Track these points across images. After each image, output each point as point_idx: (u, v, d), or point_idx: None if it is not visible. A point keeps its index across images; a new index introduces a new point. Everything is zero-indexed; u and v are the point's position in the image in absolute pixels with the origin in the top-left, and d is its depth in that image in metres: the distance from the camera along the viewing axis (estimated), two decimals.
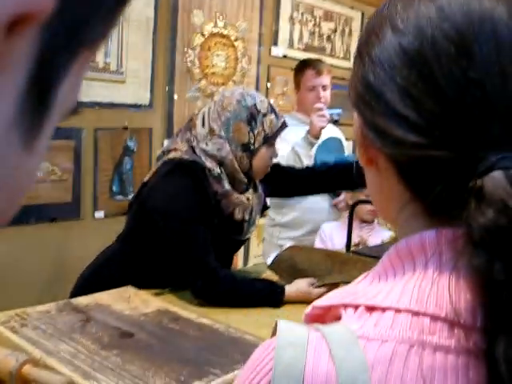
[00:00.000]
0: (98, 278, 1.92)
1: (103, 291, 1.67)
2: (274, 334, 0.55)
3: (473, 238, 0.48)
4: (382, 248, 2.46)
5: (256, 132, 1.92)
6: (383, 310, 0.52)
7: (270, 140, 1.96)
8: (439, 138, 0.52)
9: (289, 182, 2.31)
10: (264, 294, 1.85)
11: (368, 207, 2.89)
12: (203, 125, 1.93)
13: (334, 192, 3.04)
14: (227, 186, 1.92)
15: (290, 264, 2.05)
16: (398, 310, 0.51)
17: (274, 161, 2.08)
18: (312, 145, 2.90)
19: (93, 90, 3.12)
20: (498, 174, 0.49)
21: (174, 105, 3.57)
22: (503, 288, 0.47)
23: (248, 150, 1.93)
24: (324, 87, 3.14)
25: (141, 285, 1.76)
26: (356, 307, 0.54)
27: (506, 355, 0.45)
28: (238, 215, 1.97)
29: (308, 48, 4.45)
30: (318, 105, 2.93)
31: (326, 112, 2.88)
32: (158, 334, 1.40)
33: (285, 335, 0.53)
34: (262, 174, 2.04)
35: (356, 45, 0.62)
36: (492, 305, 0.47)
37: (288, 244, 3.07)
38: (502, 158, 0.50)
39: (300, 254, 2.13)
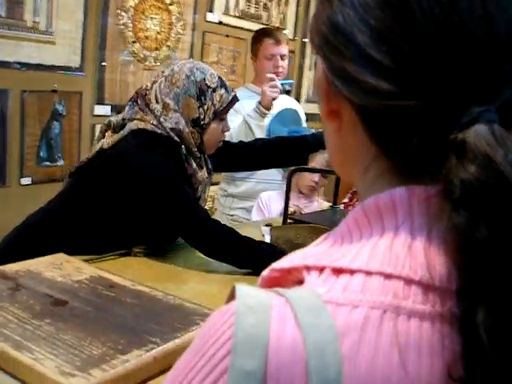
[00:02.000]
0: (22, 244, 1.82)
1: (33, 258, 1.58)
2: (230, 299, 0.49)
3: (453, 195, 0.44)
4: (321, 214, 2.46)
5: (206, 107, 1.91)
6: (352, 272, 0.47)
7: (220, 115, 1.95)
8: (416, 86, 0.47)
9: (235, 157, 2.31)
10: (270, 252, 1.82)
11: (308, 181, 2.88)
12: (157, 101, 1.89)
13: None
14: (194, 163, 1.92)
15: (286, 240, 2.04)
16: (368, 273, 0.47)
17: (226, 134, 2.07)
18: (264, 116, 2.89)
19: (20, 50, 2.99)
20: (481, 128, 0.46)
21: (105, 69, 3.45)
22: (485, 248, 0.43)
23: (198, 125, 1.91)
24: (282, 57, 3.13)
25: (71, 253, 1.69)
26: (321, 270, 0.49)
27: (487, 323, 0.42)
28: (198, 193, 1.98)
29: (244, 15, 4.39)
30: (269, 75, 2.92)
31: (278, 82, 2.86)
32: (93, 301, 1.34)
33: (245, 300, 0.47)
34: (214, 149, 2.03)
35: None
36: (471, 268, 0.44)
37: (239, 214, 3.07)
38: (485, 110, 0.46)
39: (289, 231, 2.12)
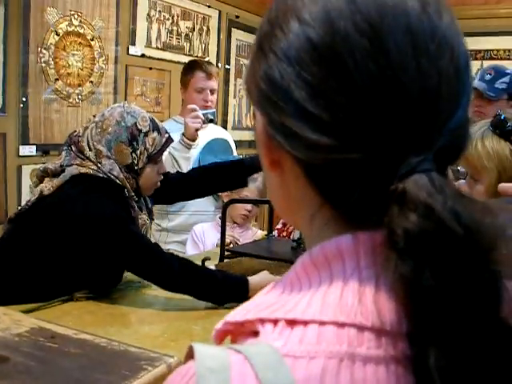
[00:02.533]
0: None
1: None
2: (187, 358, 0.49)
3: (397, 244, 0.46)
4: (255, 245, 2.47)
5: (139, 152, 1.89)
6: (305, 323, 0.48)
7: (154, 158, 1.92)
8: (355, 139, 0.49)
9: (172, 189, 2.30)
10: (231, 283, 1.83)
11: (241, 210, 2.91)
12: (89, 148, 1.87)
13: (215, 194, 3.04)
14: (136, 206, 1.90)
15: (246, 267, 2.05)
16: (322, 323, 0.48)
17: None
18: (189, 147, 2.88)
19: None
20: (420, 177, 0.47)
21: (28, 108, 3.38)
22: (432, 295, 0.45)
23: (132, 170, 1.89)
24: (212, 91, 3.14)
25: (12, 301, 1.64)
26: (275, 322, 0.49)
27: (439, 365, 0.44)
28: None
29: (166, 47, 4.39)
30: (190, 106, 2.92)
31: (200, 113, 2.86)
32: (36, 355, 1.30)
33: (203, 361, 0.47)
34: (151, 191, 2.01)
35: (256, 37, 0.57)
36: (420, 313, 0.45)
37: (175, 247, 3.07)
38: (423, 160, 0.48)
39: (235, 266, 2.13)
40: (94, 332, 1.48)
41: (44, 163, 3.49)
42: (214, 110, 3.05)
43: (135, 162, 1.88)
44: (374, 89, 0.48)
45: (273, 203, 0.64)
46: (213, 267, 2.13)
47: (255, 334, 0.50)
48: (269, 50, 0.53)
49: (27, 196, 3.41)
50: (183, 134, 2.87)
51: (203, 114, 2.90)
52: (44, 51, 3.43)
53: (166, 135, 1.97)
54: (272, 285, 0.56)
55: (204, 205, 3.07)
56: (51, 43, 3.47)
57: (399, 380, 0.46)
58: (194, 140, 2.89)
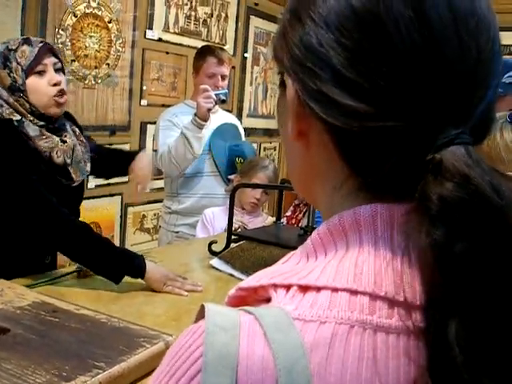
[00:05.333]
0: None
1: None
2: (198, 318, 0.50)
3: (430, 210, 0.46)
4: (263, 230, 2.47)
5: (13, 69, 1.85)
6: (318, 289, 0.49)
7: (32, 70, 1.87)
8: (394, 107, 0.49)
9: (101, 163, 2.27)
10: (128, 256, 1.84)
11: (250, 198, 2.91)
12: None
13: (225, 178, 3.07)
14: (32, 130, 1.85)
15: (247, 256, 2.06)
16: (334, 290, 0.48)
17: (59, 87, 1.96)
18: (201, 127, 2.88)
19: None
20: (457, 149, 0.48)
21: None
22: (462, 262, 0.45)
23: (16, 89, 1.85)
24: (223, 77, 3.13)
25: None
26: (288, 287, 0.50)
27: (459, 337, 0.44)
28: (57, 159, 1.91)
29: (184, 32, 4.39)
30: (203, 86, 2.92)
31: (212, 93, 2.87)
32: (36, 328, 1.32)
33: (214, 319, 0.48)
34: (51, 106, 1.91)
35: (290, 4, 0.56)
36: (445, 282, 0.45)
37: (184, 230, 3.08)
38: (460, 132, 0.48)
39: (256, 249, 2.13)
40: (97, 309, 1.49)
41: None
42: (227, 90, 3.05)
43: (14, 80, 1.85)
44: (417, 59, 0.48)
45: (290, 176, 0.64)
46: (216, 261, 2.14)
47: (268, 301, 0.51)
48: (306, 16, 0.53)
49: None
50: (195, 114, 2.88)
51: (215, 95, 2.91)
52: (61, 32, 3.44)
53: (40, 45, 1.90)
54: (290, 254, 0.57)
55: (214, 187, 3.09)
56: (68, 24, 3.48)
57: (410, 351, 0.46)
58: (205, 120, 2.89)
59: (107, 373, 1.13)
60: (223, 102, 2.99)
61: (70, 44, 3.51)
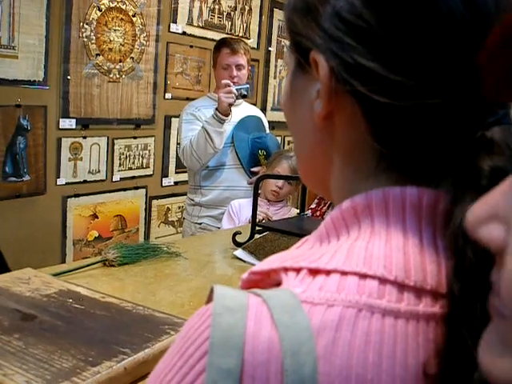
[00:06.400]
0: None
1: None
2: (209, 300, 0.50)
3: (480, 181, 0.46)
4: (287, 222, 2.47)
5: None
6: (328, 272, 0.48)
7: None
8: (443, 84, 0.48)
9: None
10: None
11: (271, 186, 2.91)
12: None
13: (248, 170, 3.08)
14: None
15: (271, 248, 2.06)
16: (343, 273, 0.48)
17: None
18: (222, 122, 2.90)
19: None
20: (505, 127, 0.48)
21: (69, 82, 3.44)
22: None
23: None
24: (239, 66, 3.13)
25: None
26: (298, 270, 0.50)
27: (481, 324, 0.43)
28: None
29: (208, 25, 4.40)
30: (224, 81, 2.94)
31: (233, 88, 2.88)
32: (63, 315, 1.33)
33: (222, 301, 0.48)
34: None
35: None
36: (476, 266, 0.44)
37: (207, 222, 3.10)
38: (506, 113, 0.49)
39: (280, 240, 2.14)
40: (122, 298, 1.50)
41: (84, 137, 3.58)
42: (247, 85, 3.06)
43: None
44: (467, 38, 0.48)
45: (299, 161, 0.63)
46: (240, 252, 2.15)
47: (279, 284, 0.51)
48: None
49: (66, 168, 3.48)
50: (216, 109, 2.90)
51: (236, 89, 2.92)
52: (86, 26, 3.47)
53: None
54: (304, 239, 0.57)
55: (237, 180, 3.10)
56: (93, 18, 3.51)
57: (418, 336, 0.46)
58: (227, 115, 2.91)
59: (132, 358, 1.14)
60: (244, 96, 3.00)
61: (94, 38, 3.54)
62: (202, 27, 4.36)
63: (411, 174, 0.52)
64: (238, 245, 2.22)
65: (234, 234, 2.25)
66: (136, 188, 4.10)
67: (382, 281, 0.47)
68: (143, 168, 4.14)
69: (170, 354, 0.50)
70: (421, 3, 0.48)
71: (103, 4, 3.55)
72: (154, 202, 4.27)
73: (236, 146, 3.11)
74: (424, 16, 0.48)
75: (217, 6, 4.48)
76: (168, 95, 4.17)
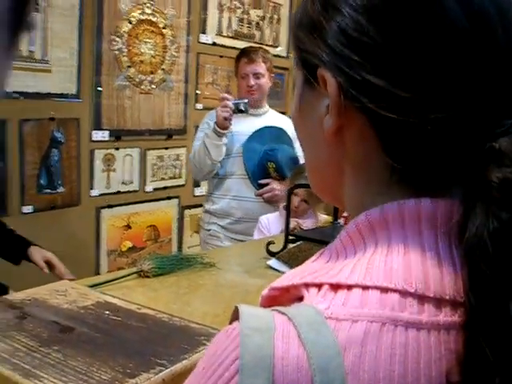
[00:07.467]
0: None
1: (38, 286, 1.59)
2: (233, 319, 0.51)
3: (490, 193, 0.46)
4: (320, 231, 2.47)
5: None
6: (349, 287, 0.49)
7: None
8: (450, 98, 0.48)
9: None
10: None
11: (296, 199, 2.90)
12: None
13: (255, 182, 3.07)
14: None
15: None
16: (365, 287, 0.48)
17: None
18: (220, 135, 2.92)
19: (17, 80, 3.01)
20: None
21: (101, 94, 3.48)
22: None
23: None
24: (257, 75, 3.13)
25: None
26: (319, 286, 0.50)
27: (493, 335, 0.44)
28: None
29: (237, 35, 4.42)
30: (222, 95, 2.98)
31: (230, 102, 2.89)
32: (100, 327, 1.35)
33: (248, 321, 0.48)
34: None
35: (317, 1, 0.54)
36: (500, 273, 0.45)
37: (215, 229, 3.15)
38: None
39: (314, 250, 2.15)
40: (157, 308, 1.51)
41: (116, 148, 3.62)
42: (247, 100, 3.03)
43: None
44: (471, 49, 0.48)
45: (311, 174, 0.63)
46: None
47: (300, 299, 0.51)
48: (344, 3, 0.51)
49: (99, 180, 3.52)
50: (215, 122, 2.92)
51: (234, 104, 2.93)
52: (117, 39, 3.51)
53: None
54: (319, 252, 0.57)
55: (244, 190, 3.09)
56: (124, 31, 3.55)
57: (441, 346, 0.46)
58: (224, 128, 2.93)
59: (169, 370, 1.15)
60: (241, 111, 2.99)
61: (126, 50, 3.58)
62: (232, 37, 4.38)
63: (424, 185, 0.52)
64: (271, 254, 2.22)
65: (268, 244, 2.25)
66: (168, 198, 4.12)
67: (403, 294, 0.48)
68: (175, 178, 4.17)
69: (197, 374, 0.50)
70: (423, 18, 0.48)
71: (134, 17, 3.59)
72: (187, 211, 4.29)
73: (244, 157, 3.09)
74: (427, 30, 0.48)
75: (245, 16, 4.50)
76: (199, 105, 4.19)
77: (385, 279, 0.48)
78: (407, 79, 0.48)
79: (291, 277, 0.53)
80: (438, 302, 0.47)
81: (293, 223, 2.67)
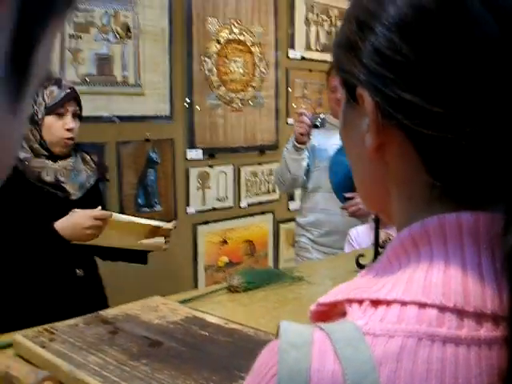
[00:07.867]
0: None
1: (130, 302, 1.66)
2: (277, 336, 0.52)
3: None
4: None
5: (38, 103, 1.97)
6: (388, 303, 0.49)
7: (53, 110, 1.99)
8: (486, 115, 0.48)
9: None
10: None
11: None
12: None
13: (340, 195, 3.04)
14: (23, 153, 1.98)
15: None
16: (403, 303, 0.48)
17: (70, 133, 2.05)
18: (298, 150, 2.93)
19: (112, 104, 3.14)
20: None
21: (194, 114, 3.57)
22: None
23: (33, 121, 1.98)
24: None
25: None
26: (361, 302, 0.51)
27: None
28: (46, 176, 2.01)
29: (326, 48, 4.43)
30: (300, 110, 2.98)
31: (306, 118, 2.88)
32: (188, 341, 1.39)
33: (287, 337, 0.50)
34: (58, 146, 2.04)
35: (351, 11, 0.56)
36: None
37: (304, 241, 3.19)
38: None
39: None
40: (246, 323, 1.54)
41: (210, 166, 3.70)
42: (323, 116, 3.02)
43: (35, 112, 1.97)
44: (504, 61, 0.48)
45: (360, 191, 0.64)
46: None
47: (345, 314, 0.52)
48: (377, 23, 0.52)
49: (195, 197, 3.61)
50: (294, 138, 2.95)
51: (310, 119, 2.92)
52: (207, 59, 3.60)
53: (68, 90, 2.02)
54: (368, 268, 0.57)
55: (330, 204, 3.05)
56: (213, 51, 3.64)
57: (481, 361, 0.46)
58: (302, 143, 2.93)
59: None
60: (316, 127, 2.97)
61: (215, 70, 3.66)
62: (321, 51, 4.39)
63: (465, 200, 0.51)
64: (361, 267, 2.20)
65: (358, 257, 2.24)
66: (263, 213, 4.17)
67: (441, 309, 0.47)
68: (269, 193, 4.21)
69: None
70: (454, 32, 0.48)
71: (222, 37, 3.67)
72: (282, 225, 4.32)
73: (331, 170, 3.07)
74: (458, 44, 0.48)
75: (333, 29, 4.50)
76: (290, 120, 4.22)
77: (423, 295, 0.48)
78: (440, 94, 0.49)
79: (337, 292, 0.54)
80: (479, 317, 0.47)
81: (384, 235, 2.64)
